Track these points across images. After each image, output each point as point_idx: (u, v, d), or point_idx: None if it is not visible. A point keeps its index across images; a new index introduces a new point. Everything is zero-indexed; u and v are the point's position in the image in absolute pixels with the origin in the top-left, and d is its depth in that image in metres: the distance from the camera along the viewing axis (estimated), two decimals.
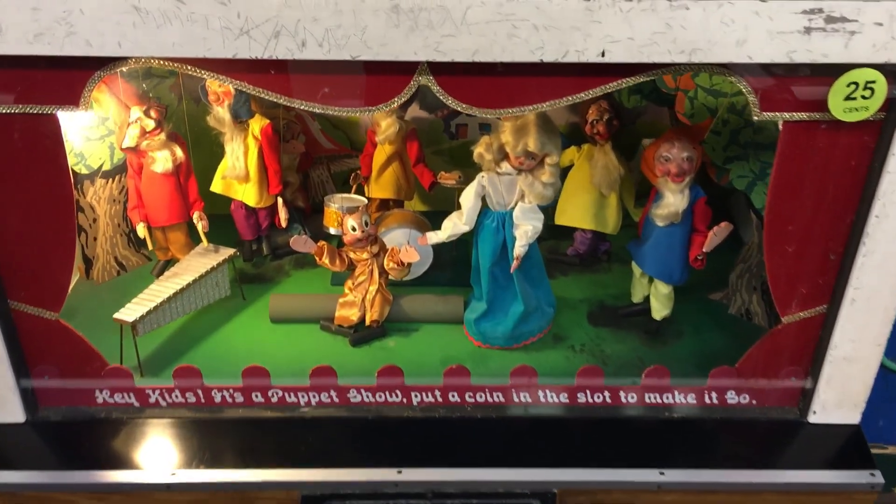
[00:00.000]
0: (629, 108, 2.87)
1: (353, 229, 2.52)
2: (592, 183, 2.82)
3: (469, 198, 2.39)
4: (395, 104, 1.91)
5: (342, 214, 2.57)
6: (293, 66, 1.74)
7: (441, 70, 1.84)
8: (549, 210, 2.40)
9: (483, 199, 2.33)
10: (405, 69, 1.85)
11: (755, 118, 1.91)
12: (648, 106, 3.05)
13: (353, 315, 2.49)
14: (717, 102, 2.51)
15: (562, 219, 2.87)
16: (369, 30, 1.74)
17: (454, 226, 2.35)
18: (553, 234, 2.96)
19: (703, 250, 2.39)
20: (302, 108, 1.89)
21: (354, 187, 2.93)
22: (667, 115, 3.11)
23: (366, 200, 2.77)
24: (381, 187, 2.93)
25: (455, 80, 1.87)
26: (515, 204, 2.32)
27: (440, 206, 3.04)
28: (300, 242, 2.50)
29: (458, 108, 1.90)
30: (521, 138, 2.24)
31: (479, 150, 2.34)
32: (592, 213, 2.84)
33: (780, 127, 1.97)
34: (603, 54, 1.78)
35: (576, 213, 2.87)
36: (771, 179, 2.02)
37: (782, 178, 2.01)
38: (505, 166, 2.21)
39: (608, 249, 3.01)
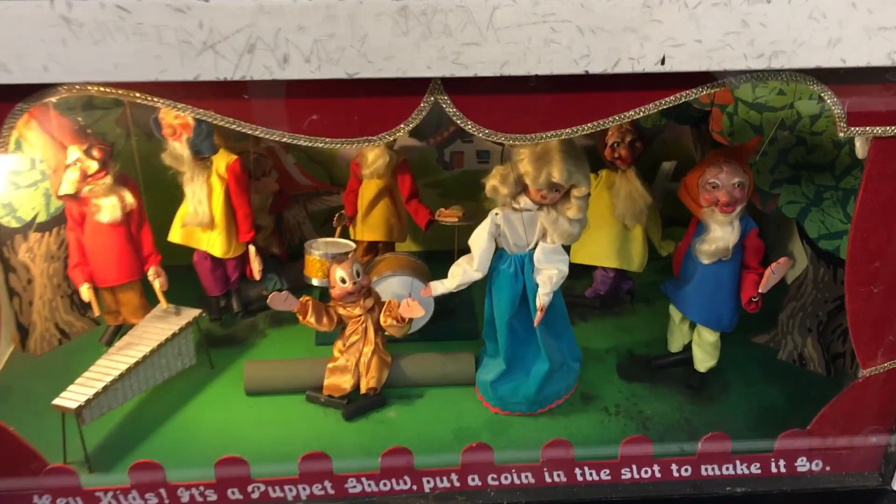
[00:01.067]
0: (646, 127, 2.59)
1: (343, 281, 2.13)
2: (614, 215, 2.52)
3: (481, 239, 2.01)
4: (402, 132, 1.52)
5: (328, 263, 2.19)
6: (272, 88, 1.34)
7: (459, 88, 1.47)
8: (566, 249, 2.08)
9: (497, 239, 2.04)
10: (414, 88, 1.48)
11: (841, 134, 1.58)
12: (668, 124, 2.71)
13: (345, 382, 2.10)
14: (761, 118, 2.17)
15: (579, 256, 2.57)
16: (370, 39, 1.37)
17: (464, 273, 1.97)
18: (569, 275, 2.57)
19: (759, 291, 2.04)
20: (284, 140, 1.49)
21: (339, 230, 2.56)
22: (689, 134, 2.77)
23: (353, 245, 2.39)
24: (370, 228, 2.56)
25: (477, 99, 1.51)
26: (536, 244, 2.05)
27: (437, 246, 2.73)
28: (279, 300, 2.11)
29: (481, 135, 1.53)
30: (543, 167, 1.88)
31: (493, 183, 1.97)
32: (615, 249, 2.52)
33: (867, 144, 1.63)
34: (663, 61, 1.43)
35: (596, 249, 2.57)
36: (856, 208, 1.68)
37: (870, 206, 1.68)
38: (524, 201, 1.94)
39: (631, 289, 2.70)
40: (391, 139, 1.56)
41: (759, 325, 2.44)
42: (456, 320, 2.48)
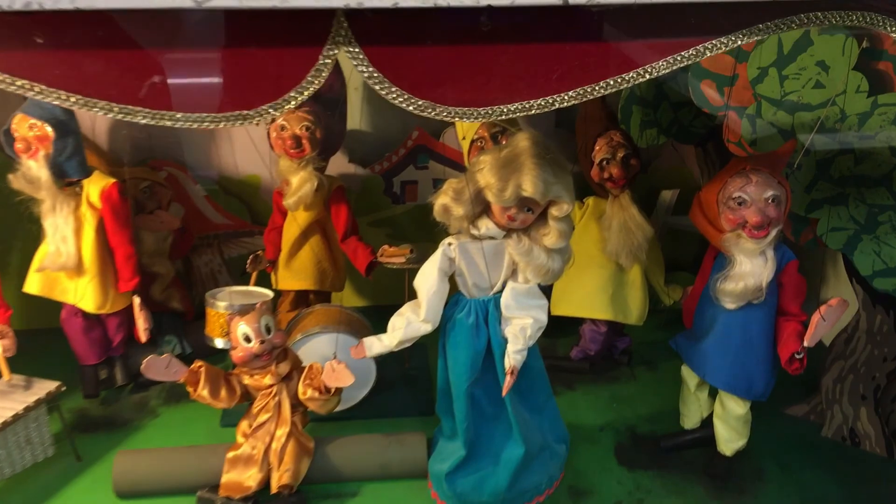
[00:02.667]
0: (641, 147, 2.15)
1: (247, 339, 1.61)
2: (605, 252, 2.08)
3: (430, 279, 1.52)
4: (293, 105, 1.01)
5: (230, 317, 1.65)
6: (85, 27, 0.84)
7: (374, 33, 0.96)
8: (544, 291, 1.74)
9: (452, 279, 1.65)
10: (309, 33, 0.97)
11: None
12: (666, 146, 2.24)
13: (249, 479, 1.59)
14: (793, 120, 1.68)
15: (562, 306, 2.13)
16: None
17: (408, 325, 1.47)
18: (549, 330, 2.06)
19: (805, 345, 1.52)
20: (112, 116, 0.97)
21: (255, 276, 2.04)
22: (692, 155, 2.30)
23: (270, 294, 1.87)
24: (295, 274, 2.08)
25: (402, 53, 1.00)
26: (503, 285, 1.65)
27: (386, 300, 2.27)
28: (158, 366, 1.60)
29: (412, 108, 1.02)
30: (510, 177, 1.41)
31: (444, 201, 1.48)
32: (608, 297, 2.09)
33: None
34: None
35: (583, 297, 2.11)
36: None
37: None
38: (486, 226, 1.60)
39: (629, 348, 2.29)
40: (277, 116, 1.05)
41: (795, 391, 2.05)
42: (403, 391, 2.01)
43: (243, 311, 1.75)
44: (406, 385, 2.14)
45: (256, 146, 2.24)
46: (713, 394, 1.86)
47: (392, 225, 2.37)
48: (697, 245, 2.46)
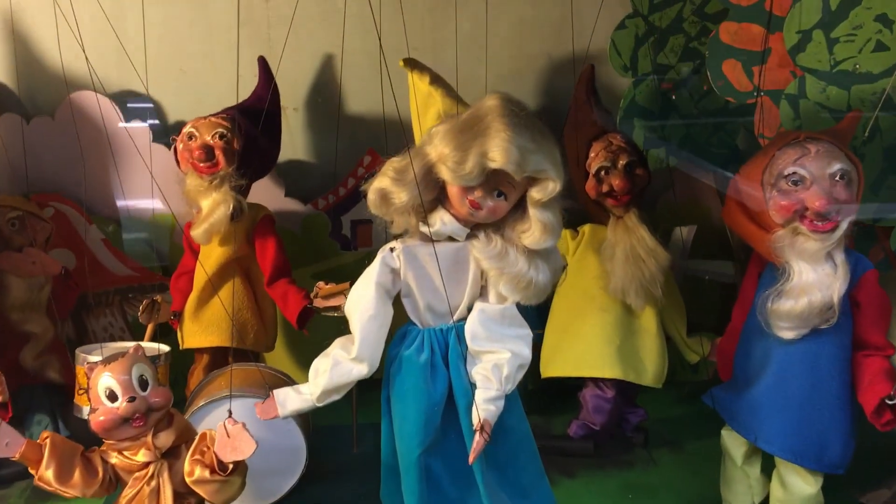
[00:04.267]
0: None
1: (112, 397, 1.15)
2: (609, 290, 1.66)
3: (364, 299, 1.11)
4: None
5: (90, 368, 1.21)
6: None
7: None
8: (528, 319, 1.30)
9: (397, 300, 1.25)
10: None
11: None
12: (676, 173, 2.00)
13: None
14: (849, 96, 1.30)
15: (555, 366, 1.72)
16: None
17: (335, 366, 1.05)
18: (540, 403, 1.57)
19: None
20: None
21: (151, 330, 1.59)
22: (709, 188, 1.90)
23: (165, 349, 1.41)
24: (206, 328, 1.72)
25: None
26: (469, 307, 1.24)
27: None
28: None
29: None
30: (471, 144, 0.99)
31: (381, 185, 1.08)
32: (613, 349, 1.67)
33: None
34: None
35: (582, 351, 1.68)
36: None
37: None
38: (441, 220, 1.21)
39: (644, 423, 1.83)
40: None
41: (874, 467, 1.55)
42: (350, 479, 1.50)
43: (109, 359, 1.28)
44: (354, 471, 1.63)
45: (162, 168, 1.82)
46: (768, 467, 1.43)
47: (341, 276, 1.92)
48: (722, 295, 2.03)
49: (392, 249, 1.19)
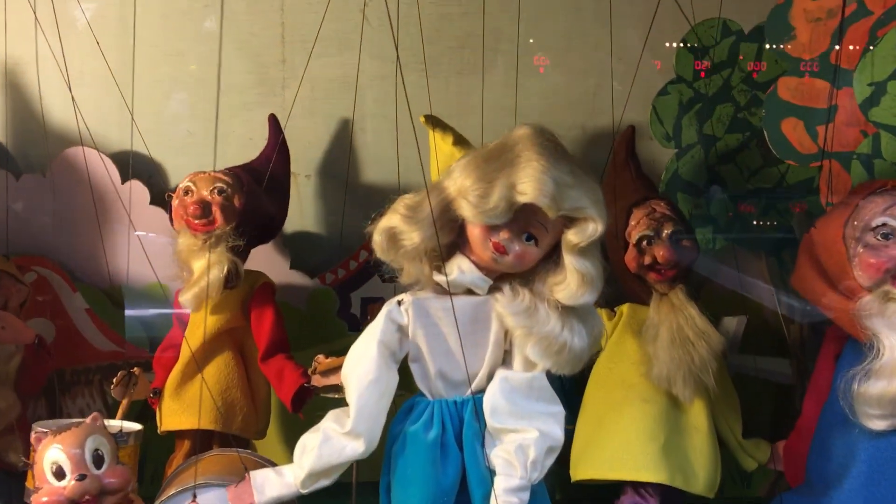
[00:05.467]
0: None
1: (59, 474, 0.94)
2: (651, 378, 1.45)
3: (365, 360, 0.90)
4: None
5: (37, 438, 1.03)
6: None
7: None
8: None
9: (404, 365, 1.10)
10: None
11: None
12: (728, 256, 1.79)
13: None
14: None
15: (587, 466, 1.48)
16: None
17: (324, 442, 0.83)
18: None
19: None
20: None
21: (125, 406, 1.42)
22: (764, 269, 1.74)
23: (137, 427, 1.24)
24: (188, 407, 1.53)
25: None
26: (490, 376, 1.08)
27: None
28: None
29: None
30: (498, 175, 0.81)
31: (390, 224, 0.90)
32: (657, 448, 1.43)
33: None
34: None
35: (618, 449, 1.46)
36: None
37: None
38: (459, 268, 1.05)
39: None
40: None
41: None
42: None
43: (61, 428, 1.10)
44: None
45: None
46: None
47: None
48: (777, 397, 1.83)
49: (400, 302, 1.02)
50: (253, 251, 1.64)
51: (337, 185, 1.88)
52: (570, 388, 1.62)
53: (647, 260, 1.46)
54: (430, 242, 0.98)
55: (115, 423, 1.43)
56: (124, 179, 1.78)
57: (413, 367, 1.04)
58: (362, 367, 1.00)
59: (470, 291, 1.01)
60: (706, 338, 1.42)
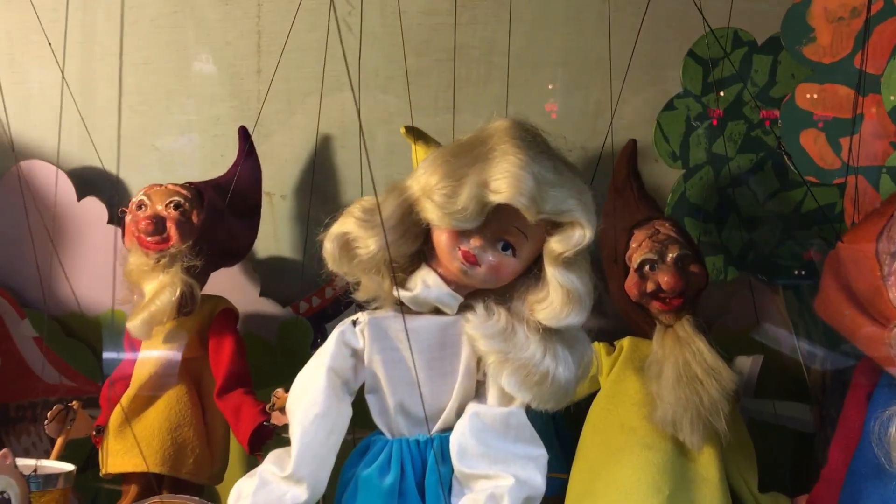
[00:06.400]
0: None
1: None
2: (654, 421, 1.28)
3: (311, 389, 0.72)
4: None
5: None
6: None
7: None
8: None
9: (359, 397, 0.98)
10: None
11: None
12: (742, 289, 1.63)
13: None
14: None
15: None
16: None
17: (260, 488, 0.62)
18: None
19: None
20: None
21: (61, 444, 1.30)
22: (780, 303, 1.59)
23: (70, 468, 1.11)
24: (132, 447, 1.38)
25: None
26: (459, 410, 0.94)
27: None
28: None
29: None
30: (468, 171, 0.66)
31: (343, 229, 0.73)
32: (660, 501, 1.26)
33: None
34: None
35: (617, 503, 1.28)
36: None
37: None
38: (424, 282, 0.90)
39: None
40: None
41: None
42: None
43: None
44: None
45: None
46: None
47: None
48: (796, 447, 1.68)
49: (355, 322, 0.88)
50: (217, 276, 1.51)
51: (315, 207, 1.76)
52: (563, 430, 1.47)
53: (650, 287, 1.30)
54: (391, 251, 0.85)
55: (46, 464, 1.30)
56: (81, 196, 1.67)
57: (369, 400, 0.89)
58: (308, 399, 0.86)
59: (438, 310, 0.87)
60: (717, 375, 1.26)
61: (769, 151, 1.58)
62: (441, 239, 0.86)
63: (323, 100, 1.71)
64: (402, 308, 0.81)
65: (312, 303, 1.70)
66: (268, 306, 1.69)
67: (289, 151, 1.74)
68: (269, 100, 1.75)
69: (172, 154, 1.73)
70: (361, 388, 0.90)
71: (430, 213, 0.84)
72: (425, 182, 0.85)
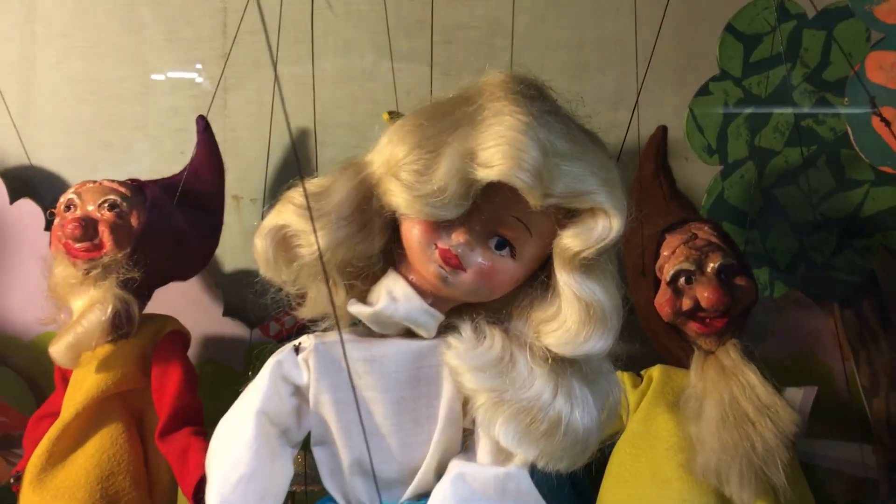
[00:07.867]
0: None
1: None
2: (696, 472, 1.08)
3: (236, 444, 0.47)
4: None
5: None
6: None
7: None
8: None
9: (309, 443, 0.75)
10: None
11: None
12: (788, 307, 1.45)
13: None
14: None
15: None
16: None
17: None
18: None
19: None
20: None
21: None
22: (832, 323, 1.40)
23: None
24: (53, 497, 1.19)
25: None
26: (439, 470, 0.69)
27: None
28: None
29: None
30: (448, 139, 0.42)
31: (279, 220, 0.49)
32: None
33: None
34: None
35: None
36: None
37: None
38: (390, 292, 0.66)
39: None
40: None
41: None
42: None
43: None
44: None
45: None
46: None
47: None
48: (855, 493, 1.47)
49: (297, 349, 0.66)
50: (171, 292, 1.31)
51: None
52: (579, 480, 1.26)
53: (687, 304, 1.09)
54: (343, 251, 0.62)
55: None
56: (14, 199, 1.47)
57: (317, 454, 0.66)
58: (231, 456, 0.63)
59: (411, 332, 0.64)
60: (773, 415, 1.04)
61: (822, 144, 1.38)
62: (412, 234, 0.62)
63: (300, 91, 1.52)
64: (378, 329, 0.59)
65: (285, 324, 1.51)
66: (233, 328, 1.49)
67: (260, 148, 1.55)
68: (236, 88, 1.57)
69: (124, 151, 1.53)
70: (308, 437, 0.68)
71: (396, 196, 0.60)
72: (390, 155, 0.61)
